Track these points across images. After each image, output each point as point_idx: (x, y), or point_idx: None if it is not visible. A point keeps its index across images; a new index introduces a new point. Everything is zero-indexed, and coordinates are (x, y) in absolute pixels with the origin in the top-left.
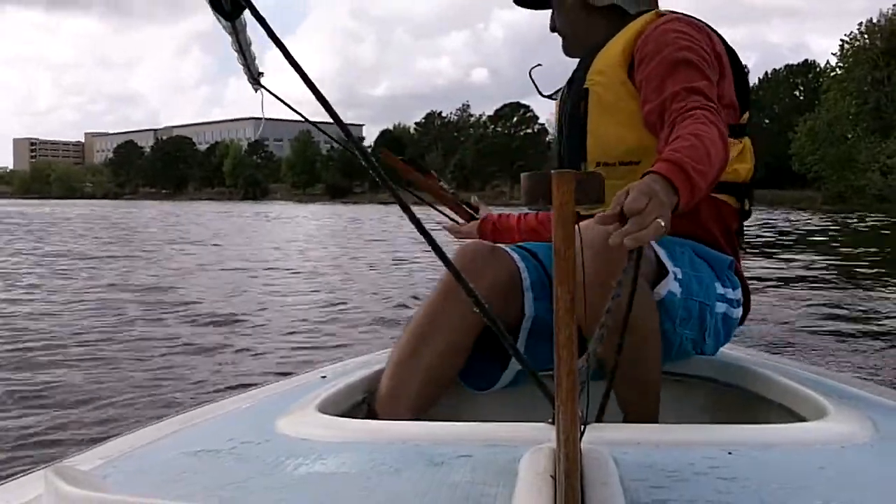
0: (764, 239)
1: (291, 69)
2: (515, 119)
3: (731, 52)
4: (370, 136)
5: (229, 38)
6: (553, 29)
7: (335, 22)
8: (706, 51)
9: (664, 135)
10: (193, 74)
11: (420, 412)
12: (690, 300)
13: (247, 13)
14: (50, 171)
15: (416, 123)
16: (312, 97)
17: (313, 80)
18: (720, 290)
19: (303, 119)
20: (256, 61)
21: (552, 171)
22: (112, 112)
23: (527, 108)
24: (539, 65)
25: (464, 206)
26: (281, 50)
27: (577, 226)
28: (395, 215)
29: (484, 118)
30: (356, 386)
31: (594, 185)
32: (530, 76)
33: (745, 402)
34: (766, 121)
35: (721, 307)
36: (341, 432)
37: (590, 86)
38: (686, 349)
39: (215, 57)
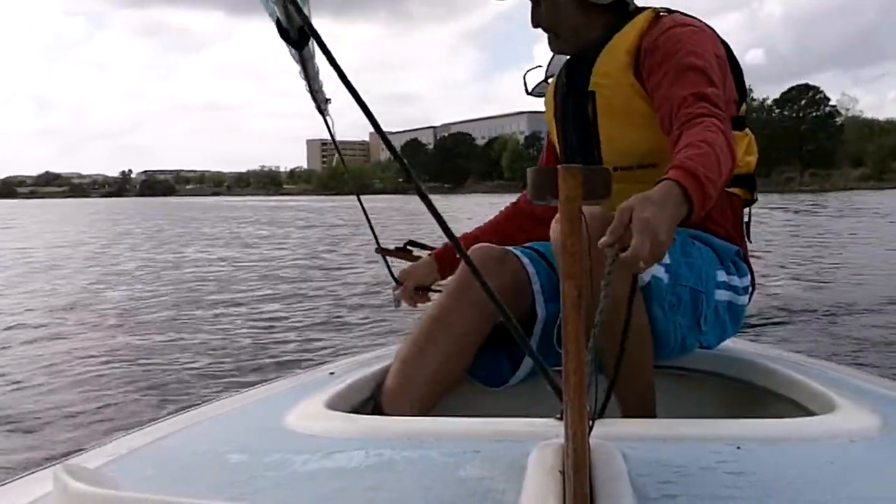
0: None
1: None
2: (804, 101)
3: (728, 49)
4: None
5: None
6: (537, 25)
7: None
8: (712, 55)
9: (673, 138)
10: (466, 72)
11: (426, 410)
12: (679, 285)
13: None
14: (344, 170)
15: None
16: None
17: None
18: (723, 277)
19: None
20: (324, 87)
21: (559, 166)
22: (392, 112)
23: (816, 89)
24: (539, 66)
25: None
26: (341, 78)
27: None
28: None
29: (769, 102)
30: (364, 382)
31: (601, 180)
32: (524, 79)
33: (752, 396)
34: None
35: (724, 294)
36: (349, 428)
37: (595, 88)
38: (685, 340)
39: (487, 54)
